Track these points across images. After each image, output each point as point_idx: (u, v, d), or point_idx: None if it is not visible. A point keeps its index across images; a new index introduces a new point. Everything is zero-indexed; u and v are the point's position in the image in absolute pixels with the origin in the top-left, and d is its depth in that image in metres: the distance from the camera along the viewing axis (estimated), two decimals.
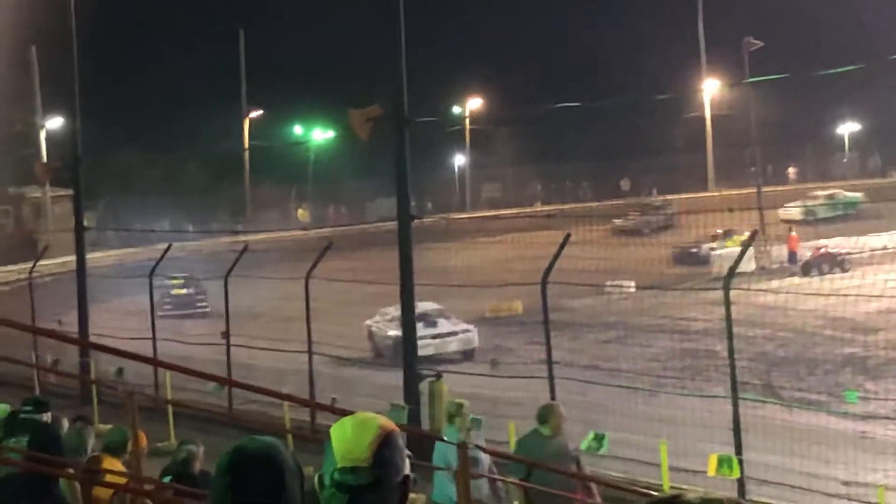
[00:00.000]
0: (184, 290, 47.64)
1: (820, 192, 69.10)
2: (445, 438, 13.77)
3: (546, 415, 13.43)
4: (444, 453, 13.61)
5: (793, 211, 65.70)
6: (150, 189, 74.59)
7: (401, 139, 23.25)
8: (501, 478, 13.68)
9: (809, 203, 66.96)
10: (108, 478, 10.58)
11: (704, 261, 51.48)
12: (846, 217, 61.91)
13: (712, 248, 53.01)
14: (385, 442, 3.58)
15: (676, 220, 65.87)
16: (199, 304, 46.51)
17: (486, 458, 13.77)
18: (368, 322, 37.96)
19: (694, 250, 54.66)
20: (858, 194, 65.56)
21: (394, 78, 23.33)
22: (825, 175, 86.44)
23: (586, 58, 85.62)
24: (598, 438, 17.99)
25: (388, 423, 3.67)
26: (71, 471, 9.79)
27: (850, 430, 23.50)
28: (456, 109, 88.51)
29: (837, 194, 67.55)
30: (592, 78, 79.25)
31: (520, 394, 24.23)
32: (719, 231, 54.10)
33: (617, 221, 65.27)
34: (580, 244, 28.16)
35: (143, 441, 13.56)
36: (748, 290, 28.29)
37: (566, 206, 74.13)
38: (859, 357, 32.22)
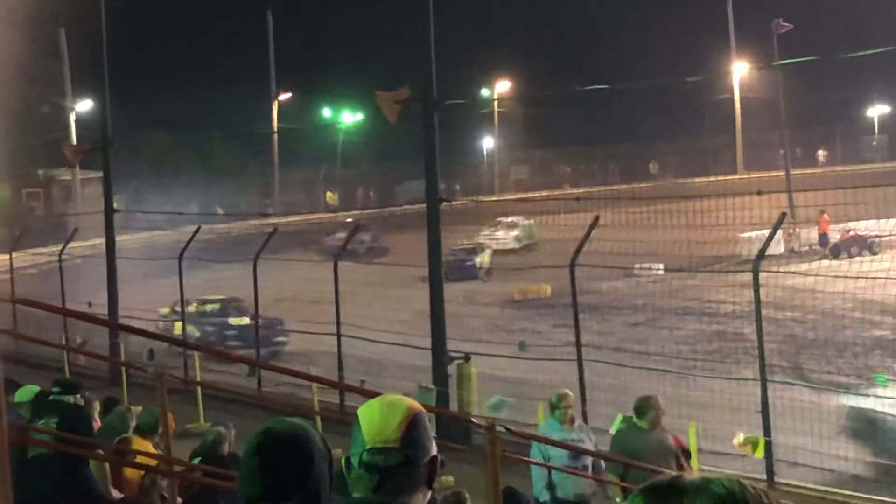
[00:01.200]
0: (246, 321, 34.79)
1: (502, 220, 63.58)
2: (544, 431, 13.04)
3: (643, 407, 12.76)
4: (541, 447, 12.82)
5: (508, 238, 58.95)
6: (179, 172, 74.77)
7: (429, 121, 23.25)
8: (601, 479, 13.04)
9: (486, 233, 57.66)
10: (139, 459, 10.64)
11: (475, 275, 48.63)
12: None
13: (480, 264, 50.76)
14: (413, 423, 3.60)
15: (382, 240, 56.59)
16: (277, 340, 35.38)
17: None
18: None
19: (469, 263, 50.61)
20: (530, 222, 61.38)
21: (422, 60, 23.33)
22: (854, 157, 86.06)
23: (616, 40, 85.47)
24: (627, 420, 17.96)
25: (416, 405, 3.69)
26: (100, 452, 9.85)
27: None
28: (485, 92, 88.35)
29: (518, 222, 63.07)
30: (622, 60, 79.05)
31: (548, 376, 24.27)
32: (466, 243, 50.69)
33: (328, 240, 52.55)
34: (609, 227, 28.11)
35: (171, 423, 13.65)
36: (777, 272, 28.16)
37: (595, 189, 74.03)
38: (889, 340, 32.11)
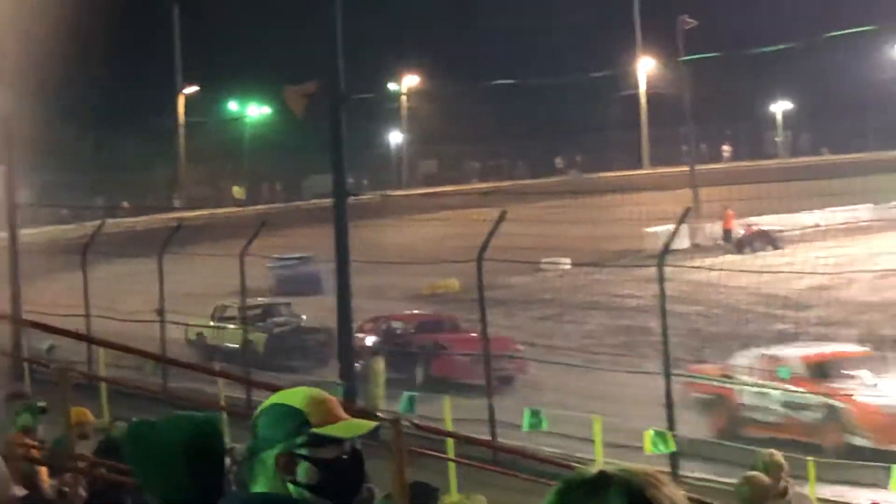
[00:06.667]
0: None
1: None
2: None
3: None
4: None
5: None
6: (84, 165, 73.91)
7: (336, 116, 23.23)
8: None
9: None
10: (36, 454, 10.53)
11: None
12: None
13: None
14: (262, 413, 3.59)
15: None
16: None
17: None
18: None
19: None
20: None
21: (329, 54, 23.28)
22: (758, 153, 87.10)
23: (524, 35, 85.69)
24: (536, 414, 18.05)
25: (289, 396, 3.63)
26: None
27: None
28: (392, 86, 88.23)
29: None
30: (530, 55, 79.40)
31: None
32: None
33: None
34: (516, 221, 28.25)
35: (89, 418, 13.53)
36: (682, 266, 28.50)
37: (503, 184, 74.19)
38: (791, 333, 32.52)
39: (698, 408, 22.38)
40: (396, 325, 30.88)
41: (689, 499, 10.43)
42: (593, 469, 2.34)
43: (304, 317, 33.71)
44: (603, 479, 2.29)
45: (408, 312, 32.87)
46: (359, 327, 28.99)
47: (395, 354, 28.42)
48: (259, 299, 34.35)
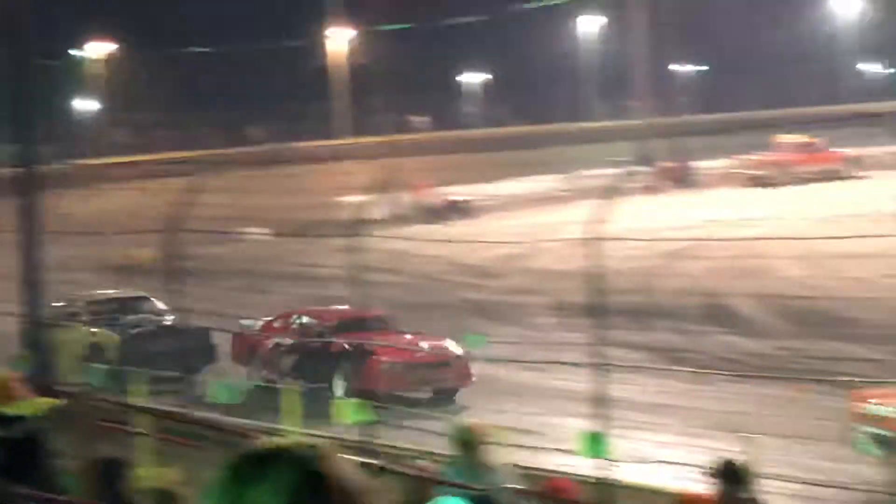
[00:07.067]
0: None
1: None
2: (449, 479, 9.51)
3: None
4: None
5: None
6: None
7: (20, 81, 22.51)
8: None
9: None
10: None
11: None
12: None
13: None
14: None
15: None
16: None
17: None
18: None
19: None
20: None
21: (11, 15, 22.49)
22: (453, 124, 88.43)
23: (218, 3, 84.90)
24: (226, 386, 17.96)
25: None
26: None
27: (478, 373, 24.22)
28: (83, 51, 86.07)
29: None
30: (224, 24, 78.72)
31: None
32: None
33: None
34: (212, 191, 27.98)
35: None
36: (376, 236, 28.68)
37: (198, 153, 73.33)
38: (483, 302, 33.17)
39: (873, 449, 16.89)
40: (310, 322, 26.31)
41: (371, 466, 10.57)
42: (266, 442, 2.30)
43: (168, 315, 28.30)
44: (274, 452, 2.25)
45: (324, 308, 28.25)
46: (265, 325, 26.34)
47: (310, 360, 24.58)
48: (110, 291, 30.99)
